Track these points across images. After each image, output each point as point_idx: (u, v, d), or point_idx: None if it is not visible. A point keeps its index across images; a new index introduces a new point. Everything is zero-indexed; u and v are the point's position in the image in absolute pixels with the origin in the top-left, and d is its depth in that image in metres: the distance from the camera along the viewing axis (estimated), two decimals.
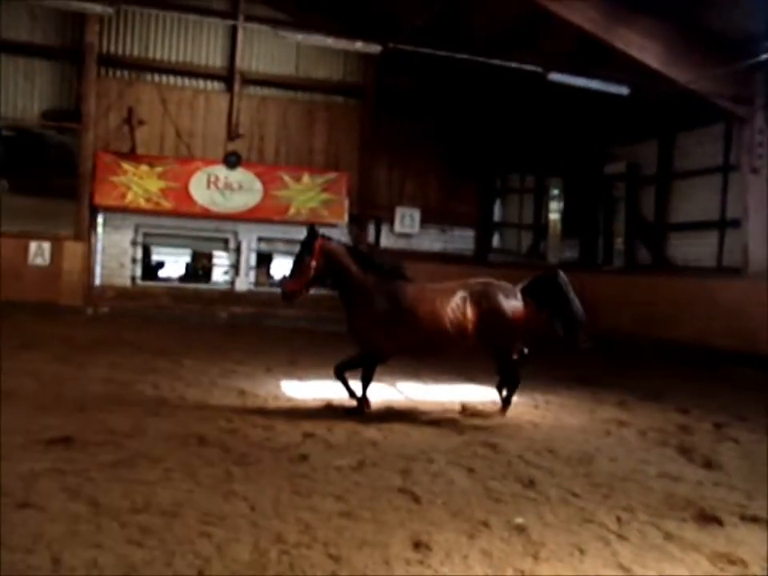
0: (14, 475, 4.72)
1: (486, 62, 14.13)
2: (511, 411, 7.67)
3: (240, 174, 17.46)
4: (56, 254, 16.08)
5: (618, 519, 4.53)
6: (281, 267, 19.81)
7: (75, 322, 14.67)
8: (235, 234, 18.13)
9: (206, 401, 7.76)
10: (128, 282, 17.35)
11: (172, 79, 17.83)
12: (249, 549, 3.77)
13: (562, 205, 20.07)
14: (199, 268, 19.32)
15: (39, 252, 16.00)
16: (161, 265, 19.49)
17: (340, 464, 5.45)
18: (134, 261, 17.41)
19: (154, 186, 16.77)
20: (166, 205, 16.94)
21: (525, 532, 4.22)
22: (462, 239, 20.20)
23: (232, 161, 17.41)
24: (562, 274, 7.81)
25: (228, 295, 17.83)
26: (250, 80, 18.15)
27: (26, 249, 16.02)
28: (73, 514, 4.12)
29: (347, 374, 7.54)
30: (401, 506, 4.61)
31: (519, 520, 4.40)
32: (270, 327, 16.10)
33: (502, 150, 19.62)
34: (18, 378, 8.14)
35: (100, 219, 17.12)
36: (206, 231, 18.02)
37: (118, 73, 17.51)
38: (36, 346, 10.77)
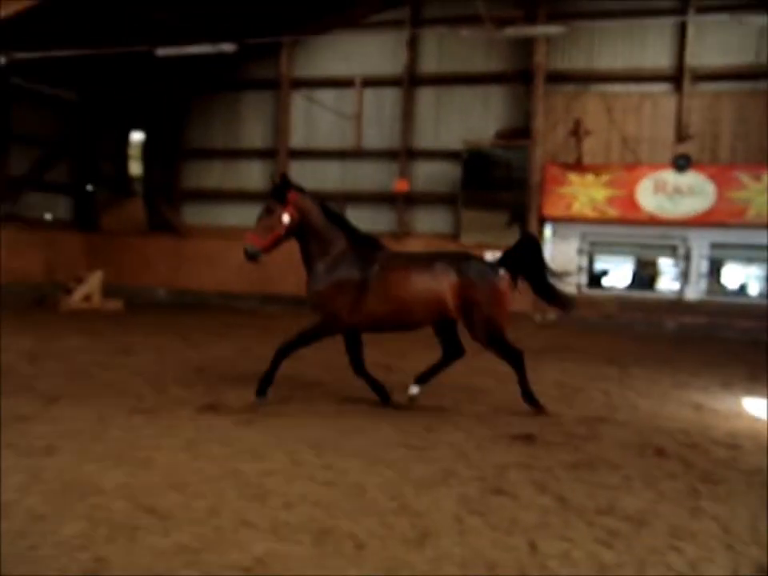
0: (488, 464, 5.17)
1: None
2: None
3: (690, 177, 16.57)
4: None
5: None
6: (735, 275, 18.28)
7: (524, 327, 15.47)
8: (684, 240, 17.24)
9: (659, 412, 7.52)
10: (573, 290, 17.70)
11: (617, 87, 17.72)
12: (726, 573, 3.53)
13: None
14: (645, 276, 18.81)
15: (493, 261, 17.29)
16: (605, 273, 19.48)
17: None
18: (579, 269, 17.73)
19: (600, 194, 16.90)
20: (612, 213, 16.92)
21: None
22: None
23: (681, 164, 16.63)
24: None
25: (676, 304, 17.03)
26: (700, 76, 17.10)
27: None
28: (542, 506, 4.35)
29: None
30: None
31: None
32: (724, 339, 14.97)
33: None
34: (479, 377, 8.93)
35: (548, 229, 17.83)
36: (651, 238, 17.50)
37: (564, 87, 18.04)
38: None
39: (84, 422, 5.90)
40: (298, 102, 19.84)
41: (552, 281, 7.25)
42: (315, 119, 19.85)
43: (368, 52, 19.22)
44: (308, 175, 19.83)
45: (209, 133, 21.11)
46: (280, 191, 6.59)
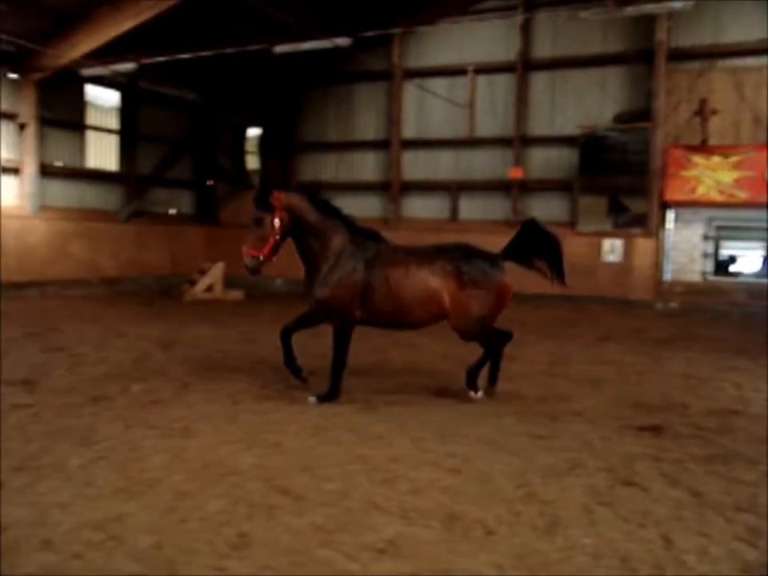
0: (615, 455, 5.06)
1: None
2: None
3: None
4: (627, 250, 16.68)
5: None
6: None
7: (646, 316, 14.99)
8: None
9: None
10: (697, 278, 16.98)
11: (748, 61, 16.66)
12: None
13: None
14: None
15: (611, 249, 16.82)
16: (732, 259, 18.53)
17: None
18: (704, 255, 16.96)
19: (728, 176, 16.01)
20: (741, 196, 15.98)
21: None
22: None
23: None
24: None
25: None
26: None
27: (598, 246, 17.02)
28: (675, 499, 4.23)
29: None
30: None
31: None
32: None
33: None
34: (600, 367, 8.72)
35: (670, 215, 17.12)
36: None
37: (688, 65, 17.21)
38: (612, 339, 11.36)
39: (216, 406, 6.19)
40: (411, 92, 19.89)
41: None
42: (428, 109, 19.84)
43: (480, 39, 19.01)
44: (421, 165, 19.94)
45: (323, 126, 21.54)
46: (262, 198, 6.35)
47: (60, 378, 7.20)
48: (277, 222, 6.30)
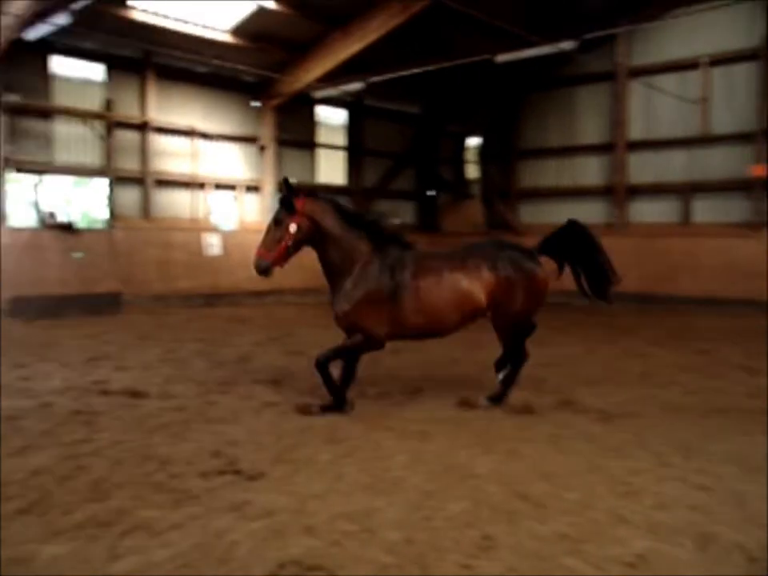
0: None
1: None
2: None
3: None
4: None
5: None
6: None
7: None
8: None
9: None
10: None
11: None
12: None
13: None
14: None
15: None
16: None
17: None
18: None
19: None
20: None
21: None
22: None
23: None
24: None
25: None
26: None
27: None
28: None
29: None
30: None
31: None
32: None
33: None
34: None
35: None
36: None
37: None
38: None
39: (448, 410, 6.33)
40: (636, 91, 19.01)
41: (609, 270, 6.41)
42: (655, 108, 18.83)
43: (714, 28, 17.66)
44: (648, 167, 19.00)
45: (543, 131, 21.27)
46: (287, 200, 6.09)
47: (301, 380, 7.74)
48: (293, 226, 6.09)
